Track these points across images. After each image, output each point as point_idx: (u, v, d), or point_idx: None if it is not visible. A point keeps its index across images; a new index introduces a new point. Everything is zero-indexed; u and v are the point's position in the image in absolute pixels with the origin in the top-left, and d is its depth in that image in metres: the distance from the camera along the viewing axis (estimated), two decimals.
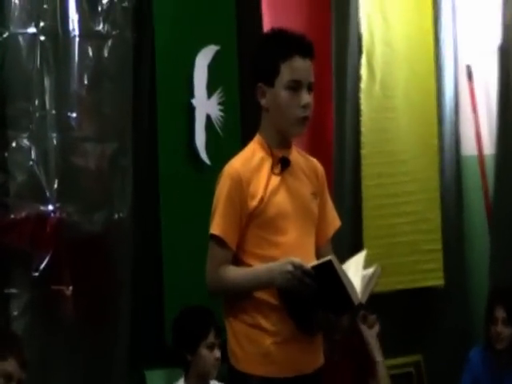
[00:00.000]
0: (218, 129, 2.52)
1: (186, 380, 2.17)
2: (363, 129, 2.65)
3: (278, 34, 1.58)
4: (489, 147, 3.09)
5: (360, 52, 2.79)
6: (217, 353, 2.10)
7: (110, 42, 2.34)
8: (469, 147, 3.10)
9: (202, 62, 2.49)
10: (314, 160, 1.65)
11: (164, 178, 2.46)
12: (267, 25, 2.54)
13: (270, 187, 1.51)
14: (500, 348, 2.52)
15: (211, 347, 2.10)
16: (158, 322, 2.40)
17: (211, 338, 2.10)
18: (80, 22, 2.30)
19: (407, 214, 2.68)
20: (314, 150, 2.16)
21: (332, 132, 2.70)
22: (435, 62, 3.02)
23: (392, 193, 2.67)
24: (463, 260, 2.98)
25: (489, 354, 2.58)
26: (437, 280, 2.78)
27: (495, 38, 3.17)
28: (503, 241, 2.92)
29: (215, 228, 1.48)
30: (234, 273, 1.49)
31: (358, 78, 2.75)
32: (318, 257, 1.54)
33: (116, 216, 2.37)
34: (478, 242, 3.06)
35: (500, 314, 2.53)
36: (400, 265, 2.59)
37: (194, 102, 2.45)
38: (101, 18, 2.34)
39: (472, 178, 3.10)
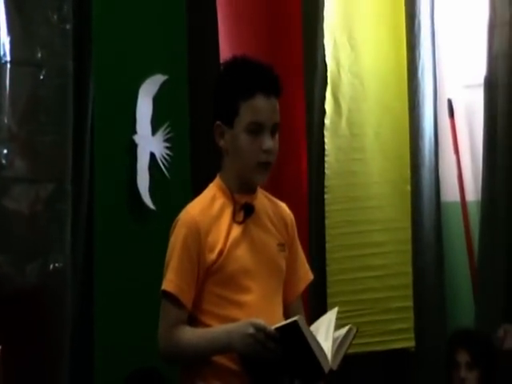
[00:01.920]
0: (164, 169, 2.72)
1: None
2: (328, 171, 2.98)
3: (240, 66, 1.68)
4: (473, 193, 3.50)
5: (325, 83, 3.16)
6: None
7: (46, 70, 2.54)
8: (450, 193, 3.52)
9: (147, 92, 2.71)
10: (283, 205, 1.76)
11: (100, 226, 2.61)
12: (224, 52, 2.85)
13: (231, 238, 1.60)
14: None
15: None
16: None
17: None
18: (12, 46, 2.51)
19: (376, 268, 2.99)
20: (285, 194, 2.38)
21: (306, 173, 3.00)
22: (411, 96, 3.40)
23: (359, 243, 2.98)
24: (442, 319, 3.35)
25: None
26: (407, 342, 3.10)
27: (480, 69, 3.61)
28: (489, 303, 3.28)
29: (168, 284, 1.58)
30: (189, 335, 1.58)
31: (322, 112, 3.11)
32: (286, 316, 1.64)
33: (52, 266, 2.54)
34: (461, 302, 3.44)
35: (463, 358, 2.85)
36: (366, 324, 2.85)
37: (137, 138, 2.67)
38: (37, 43, 2.54)
39: (454, 227, 3.50)
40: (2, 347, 2.36)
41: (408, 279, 3.16)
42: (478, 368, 2.90)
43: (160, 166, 2.75)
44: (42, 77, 2.50)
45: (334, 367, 1.50)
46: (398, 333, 3.11)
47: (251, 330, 1.48)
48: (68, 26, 2.56)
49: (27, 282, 2.46)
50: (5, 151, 2.44)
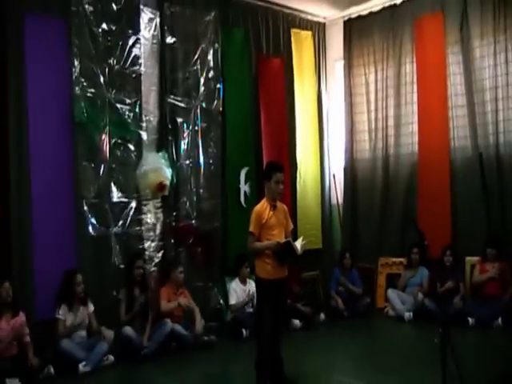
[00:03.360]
0: (249, 194, 9.16)
1: None
2: (298, 189, 9.70)
3: (271, 163, 5.94)
4: (340, 200, 10.23)
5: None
6: None
7: None
8: (333, 201, 10.28)
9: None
10: (283, 204, 5.69)
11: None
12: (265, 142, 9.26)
13: (269, 216, 5.52)
14: (347, 267, 9.08)
15: None
16: None
17: None
18: None
19: (313, 225, 9.76)
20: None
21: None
22: (322, 169, 10.01)
23: (307, 222, 9.70)
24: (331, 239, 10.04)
25: (341, 270, 9.16)
26: (319, 245, 9.84)
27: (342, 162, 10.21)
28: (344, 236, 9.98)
29: (251, 228, 5.51)
30: (258, 244, 5.44)
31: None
32: (286, 238, 5.50)
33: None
34: (336, 233, 10.17)
35: (347, 256, 9.09)
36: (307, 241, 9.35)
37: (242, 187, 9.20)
38: None
39: (334, 213, 10.23)
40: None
41: (319, 227, 9.81)
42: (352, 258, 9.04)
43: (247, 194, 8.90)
44: None
45: (300, 253, 5.50)
46: (316, 242, 9.65)
47: (276, 243, 5.44)
48: None
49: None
50: None
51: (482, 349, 6.85)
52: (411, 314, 8.46)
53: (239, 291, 8.05)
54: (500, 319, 7.73)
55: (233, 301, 7.97)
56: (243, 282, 8.10)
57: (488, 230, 8.55)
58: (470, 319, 7.86)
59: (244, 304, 7.96)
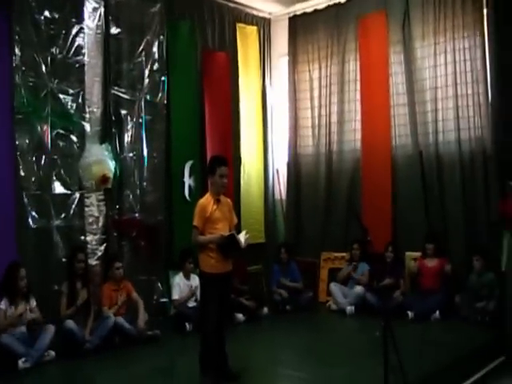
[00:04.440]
0: (193, 188, 9.10)
1: None
2: (242, 182, 9.67)
3: (216, 157, 5.85)
4: (283, 196, 10.36)
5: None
6: None
7: None
8: (276, 196, 10.30)
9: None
10: (227, 198, 5.75)
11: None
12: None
13: (213, 209, 5.54)
14: (285, 262, 9.20)
15: None
16: None
17: None
18: None
19: (256, 219, 9.81)
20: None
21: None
22: (266, 165, 10.06)
23: (254, 216, 9.73)
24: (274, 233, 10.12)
25: (279, 265, 9.25)
26: (262, 239, 9.90)
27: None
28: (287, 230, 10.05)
29: (195, 222, 5.50)
30: (202, 238, 5.46)
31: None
32: (230, 231, 5.53)
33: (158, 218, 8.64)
34: (280, 227, 10.28)
35: (284, 250, 9.20)
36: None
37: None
38: None
39: (278, 207, 10.32)
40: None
41: (262, 221, 9.89)
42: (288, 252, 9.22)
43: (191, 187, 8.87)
44: None
45: (244, 247, 5.56)
46: (259, 237, 9.68)
47: (220, 236, 5.47)
48: None
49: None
50: None
51: (422, 341, 7.01)
52: (353, 307, 8.59)
53: (183, 286, 8.00)
54: (438, 312, 7.94)
55: (176, 295, 7.92)
56: (187, 276, 8.05)
57: (428, 226, 8.75)
58: (409, 313, 8.04)
59: (187, 299, 7.91)
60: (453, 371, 6.11)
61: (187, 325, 7.57)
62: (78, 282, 7.01)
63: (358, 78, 9.61)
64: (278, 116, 10.78)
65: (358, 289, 8.68)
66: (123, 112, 8.15)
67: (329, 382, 5.52)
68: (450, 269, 8.26)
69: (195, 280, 7.82)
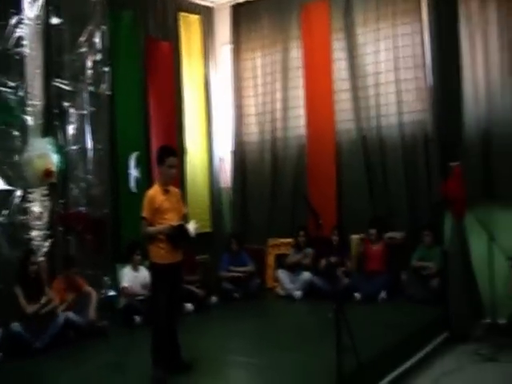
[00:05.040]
0: (138, 179, 9.00)
1: None
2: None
3: (165, 147, 5.76)
4: (228, 184, 10.39)
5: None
6: None
7: None
8: (222, 184, 10.37)
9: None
10: (176, 188, 5.70)
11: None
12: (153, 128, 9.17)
13: (162, 200, 5.48)
14: (235, 250, 9.27)
15: None
16: None
17: None
18: None
19: (203, 208, 9.83)
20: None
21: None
22: (209, 153, 10.09)
23: (200, 204, 9.69)
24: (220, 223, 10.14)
25: (230, 254, 9.30)
26: (209, 228, 9.86)
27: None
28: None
29: (144, 213, 5.46)
30: (151, 229, 5.41)
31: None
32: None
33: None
34: (226, 215, 10.28)
35: (234, 241, 9.28)
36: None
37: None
38: None
39: (224, 195, 10.37)
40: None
41: (208, 211, 9.88)
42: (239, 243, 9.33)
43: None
44: None
45: (194, 236, 5.57)
46: (205, 226, 9.67)
47: (170, 226, 5.42)
48: None
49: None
50: None
51: (370, 322, 7.16)
52: (301, 292, 8.71)
53: (130, 277, 7.97)
54: (384, 293, 8.13)
55: (125, 283, 7.88)
56: (135, 268, 8.02)
57: (372, 209, 8.93)
58: (356, 294, 8.22)
59: (138, 294, 7.89)
60: (401, 349, 6.31)
61: (136, 318, 7.54)
62: (31, 285, 6.87)
63: (302, 64, 9.69)
64: (222, 104, 10.77)
65: (306, 274, 8.81)
66: (66, 104, 8.02)
67: (282, 366, 5.57)
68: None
69: (143, 272, 7.85)
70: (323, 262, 8.76)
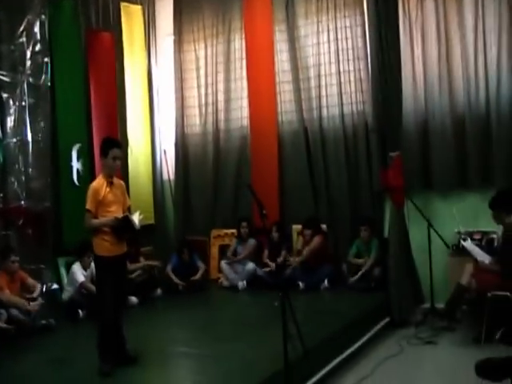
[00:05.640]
0: (81, 172, 8.87)
1: None
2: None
3: (108, 144, 5.58)
4: (171, 176, 10.40)
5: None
6: None
7: None
8: (164, 176, 10.39)
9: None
10: (120, 180, 5.77)
11: None
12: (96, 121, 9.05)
13: (106, 192, 5.44)
14: (186, 258, 9.16)
15: None
16: None
17: None
18: None
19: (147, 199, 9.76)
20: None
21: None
22: (152, 145, 10.03)
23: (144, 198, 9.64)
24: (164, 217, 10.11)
25: (180, 259, 9.20)
26: (151, 220, 9.84)
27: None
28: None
29: (88, 206, 5.45)
30: (96, 221, 5.39)
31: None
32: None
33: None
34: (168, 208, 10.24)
35: (185, 254, 9.15)
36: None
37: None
38: None
39: (166, 188, 10.30)
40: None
41: (151, 203, 9.87)
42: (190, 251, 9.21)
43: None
44: None
45: (138, 228, 5.59)
46: (148, 218, 9.63)
47: (114, 219, 5.43)
48: None
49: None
50: None
51: (314, 309, 7.31)
52: (245, 282, 8.81)
53: (81, 274, 7.88)
54: (326, 282, 8.34)
55: (81, 278, 7.80)
56: (84, 268, 7.92)
57: (313, 199, 9.11)
58: (300, 283, 8.35)
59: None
60: (345, 335, 6.48)
61: (80, 312, 7.47)
62: None
63: (244, 56, 9.73)
64: (165, 96, 10.73)
65: (249, 265, 8.89)
66: (5, 95, 7.86)
67: (225, 356, 5.62)
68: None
69: (92, 270, 7.71)
70: (266, 253, 8.98)
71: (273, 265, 8.79)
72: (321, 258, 8.61)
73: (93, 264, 7.36)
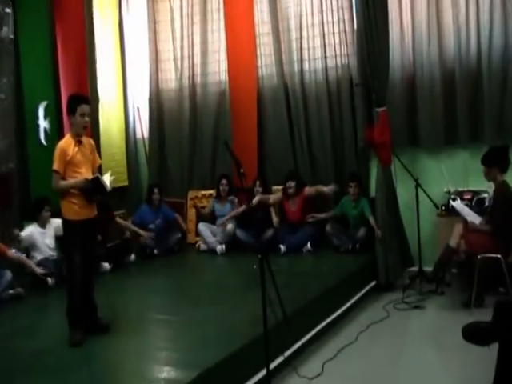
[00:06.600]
0: (49, 131, 8.64)
1: None
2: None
3: (76, 96, 5.59)
4: (145, 134, 10.24)
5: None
6: None
7: None
8: (138, 134, 10.20)
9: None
10: (89, 138, 5.56)
11: None
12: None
13: (75, 151, 5.28)
14: (156, 204, 9.15)
15: None
16: None
17: None
18: None
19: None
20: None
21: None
22: (124, 101, 9.83)
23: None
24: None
25: (150, 206, 9.16)
26: (125, 182, 9.71)
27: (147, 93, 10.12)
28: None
29: (55, 166, 5.25)
30: (64, 183, 5.22)
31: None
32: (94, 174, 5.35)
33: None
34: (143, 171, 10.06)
35: (156, 195, 9.15)
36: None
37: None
38: None
39: (140, 150, 10.14)
40: None
41: (124, 163, 9.68)
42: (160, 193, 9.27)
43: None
44: None
45: (110, 189, 5.49)
46: (122, 179, 9.50)
47: (84, 180, 5.28)
48: None
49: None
50: None
51: (296, 273, 7.26)
52: (223, 246, 8.71)
53: (37, 235, 7.70)
54: (309, 244, 8.28)
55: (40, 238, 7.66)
56: (42, 226, 7.75)
57: (294, 158, 8.96)
58: (281, 246, 8.29)
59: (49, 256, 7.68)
60: (329, 299, 6.43)
61: (49, 279, 7.33)
62: None
63: (222, 6, 9.49)
64: (137, 49, 10.46)
65: (229, 226, 8.78)
66: None
67: (206, 321, 5.57)
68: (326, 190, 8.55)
69: (51, 230, 7.71)
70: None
71: (243, 206, 8.76)
72: (302, 216, 8.59)
73: (54, 219, 7.45)
